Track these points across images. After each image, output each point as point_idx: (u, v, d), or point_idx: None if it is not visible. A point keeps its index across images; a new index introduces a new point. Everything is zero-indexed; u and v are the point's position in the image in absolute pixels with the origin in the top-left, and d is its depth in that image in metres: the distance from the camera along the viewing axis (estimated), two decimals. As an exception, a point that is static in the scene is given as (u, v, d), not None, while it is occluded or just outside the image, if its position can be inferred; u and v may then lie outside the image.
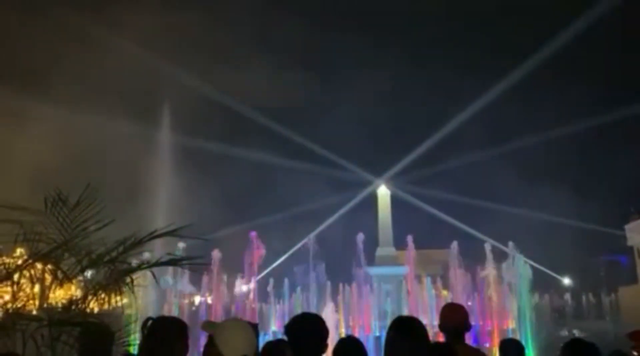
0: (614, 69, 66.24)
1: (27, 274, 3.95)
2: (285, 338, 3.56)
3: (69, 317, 3.44)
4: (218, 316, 26.60)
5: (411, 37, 79.51)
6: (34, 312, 3.96)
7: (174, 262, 4.26)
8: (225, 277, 30.09)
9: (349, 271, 28.92)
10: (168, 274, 24.31)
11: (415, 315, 24.85)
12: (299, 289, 30.11)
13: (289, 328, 3.41)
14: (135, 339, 3.94)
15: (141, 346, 3.16)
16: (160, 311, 23.22)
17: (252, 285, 33.28)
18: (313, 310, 25.65)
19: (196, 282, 31.06)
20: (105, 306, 3.98)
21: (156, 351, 3.08)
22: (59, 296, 4.11)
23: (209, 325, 3.08)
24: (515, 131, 60.43)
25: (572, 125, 57.99)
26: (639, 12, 59.84)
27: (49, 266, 3.87)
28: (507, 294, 26.07)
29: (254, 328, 4.65)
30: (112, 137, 35.62)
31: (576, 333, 33.96)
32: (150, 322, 3.19)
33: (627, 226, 53.38)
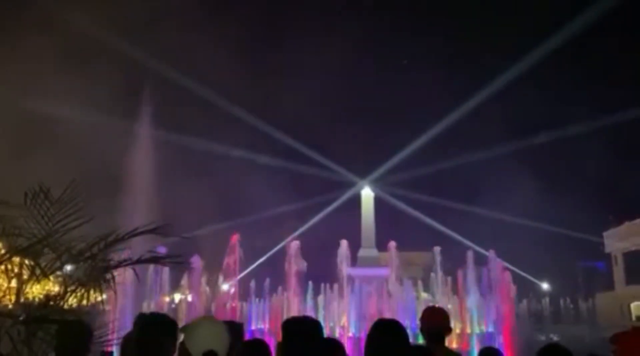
0: (603, 74, 67.10)
1: (3, 269, 3.87)
2: (260, 338, 3.53)
3: (46, 313, 3.38)
4: (198, 314, 26.44)
5: (399, 36, 79.73)
6: (10, 307, 3.88)
7: (155, 260, 4.22)
8: (206, 275, 29.94)
9: (330, 271, 28.97)
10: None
11: (395, 316, 24.96)
12: (280, 289, 30.05)
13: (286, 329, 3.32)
14: (115, 336, 3.89)
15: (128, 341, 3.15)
16: (139, 308, 23.02)
17: (233, 284, 33.18)
18: (293, 310, 25.65)
19: (177, 280, 30.86)
20: (84, 303, 3.92)
21: (145, 347, 3.07)
22: (35, 291, 4.03)
23: (183, 328, 3.09)
24: (498, 137, 60.99)
25: (553, 132, 58.73)
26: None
27: (27, 261, 3.80)
28: (486, 298, 26.34)
29: (239, 328, 4.65)
30: (89, 129, 35.03)
31: (554, 337, 34.40)
32: (141, 318, 3.18)
33: (605, 233, 54.37)
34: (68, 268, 3.92)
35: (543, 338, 32.85)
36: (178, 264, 4.56)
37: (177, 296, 35.51)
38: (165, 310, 27.79)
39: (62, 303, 3.56)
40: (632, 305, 50.17)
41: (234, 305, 33.56)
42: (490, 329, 25.42)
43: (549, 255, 53.71)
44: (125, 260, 3.92)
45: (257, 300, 33.75)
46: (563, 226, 51.90)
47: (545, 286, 61.12)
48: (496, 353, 4.87)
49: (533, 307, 52.88)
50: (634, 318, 47.47)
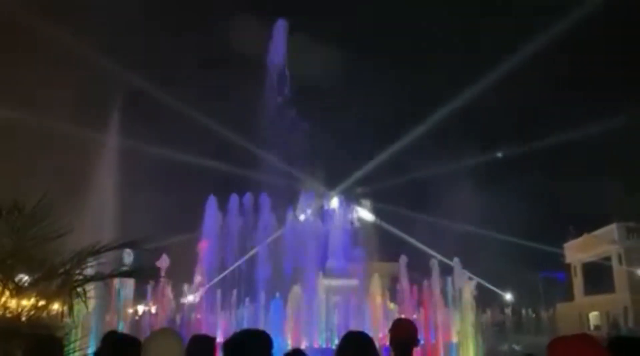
0: (569, 87, 68.99)
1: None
2: (208, 334, 3.55)
3: (17, 328, 3.34)
4: (162, 326, 25.95)
5: (371, 43, 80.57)
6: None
7: (127, 274, 4.22)
8: (170, 286, 29.40)
9: (298, 282, 28.87)
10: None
11: (362, 327, 25.09)
12: (247, 300, 29.81)
13: (227, 345, 3.35)
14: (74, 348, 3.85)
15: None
16: (103, 320, 22.48)
17: (199, 295, 32.72)
18: (261, 321, 25.48)
19: (141, 291, 30.23)
20: (44, 315, 3.87)
21: None
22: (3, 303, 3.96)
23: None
24: (461, 150, 62.19)
25: (518, 145, 60.35)
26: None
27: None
28: (450, 308, 26.73)
29: (211, 342, 4.65)
30: (52, 139, 34.17)
31: (516, 347, 35.09)
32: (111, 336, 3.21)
33: (565, 245, 55.96)
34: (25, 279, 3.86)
35: (505, 347, 33.50)
36: (148, 277, 4.56)
37: (141, 308, 34.80)
38: (128, 322, 27.19)
39: (34, 317, 3.53)
40: (591, 315, 51.64)
41: (199, 316, 33.05)
42: (454, 339, 25.77)
43: (512, 266, 54.92)
44: (97, 274, 3.91)
45: (222, 312, 33.34)
46: (525, 238, 53.18)
47: (508, 296, 62.31)
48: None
49: (496, 317, 53.84)
50: (592, 327, 48.83)
